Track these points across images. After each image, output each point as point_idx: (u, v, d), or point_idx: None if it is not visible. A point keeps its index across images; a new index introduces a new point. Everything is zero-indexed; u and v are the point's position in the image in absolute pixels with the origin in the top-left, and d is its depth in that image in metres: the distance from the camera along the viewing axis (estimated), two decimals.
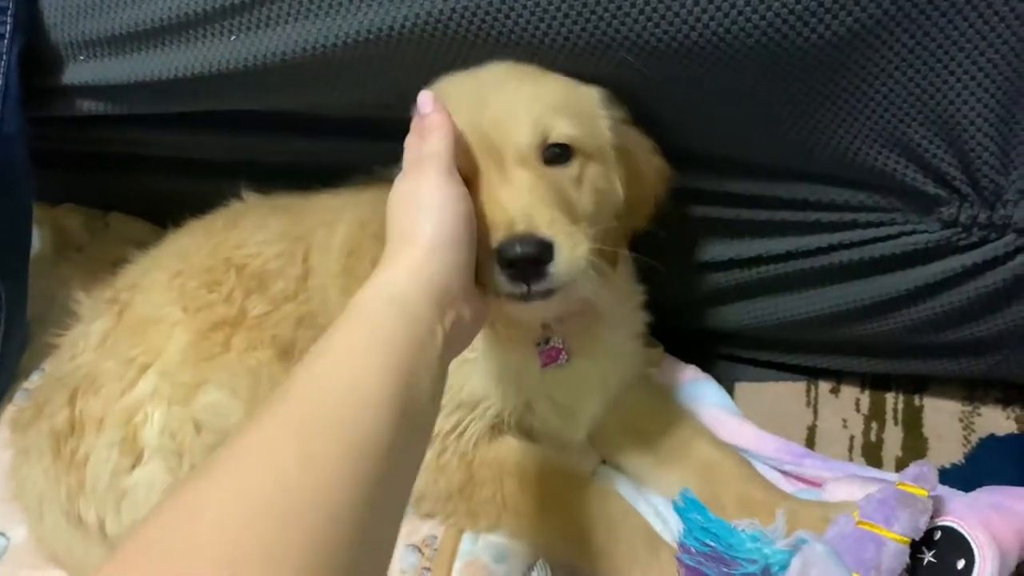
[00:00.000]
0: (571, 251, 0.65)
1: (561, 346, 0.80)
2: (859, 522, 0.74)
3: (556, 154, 0.70)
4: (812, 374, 1.05)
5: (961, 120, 0.71)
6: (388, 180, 0.79)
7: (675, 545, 0.77)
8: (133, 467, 0.84)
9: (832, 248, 0.87)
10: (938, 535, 0.74)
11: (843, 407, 1.02)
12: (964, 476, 0.91)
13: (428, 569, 0.84)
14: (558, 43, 0.71)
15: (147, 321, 0.90)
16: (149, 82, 0.88)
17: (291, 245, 0.92)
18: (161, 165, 1.13)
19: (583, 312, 0.80)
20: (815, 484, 0.90)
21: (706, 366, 1.06)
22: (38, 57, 0.93)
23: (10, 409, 1.01)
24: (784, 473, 0.92)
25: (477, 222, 0.64)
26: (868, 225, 0.83)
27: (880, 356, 0.97)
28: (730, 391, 1.04)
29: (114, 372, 0.86)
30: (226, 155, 1.05)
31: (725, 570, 0.71)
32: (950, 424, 0.97)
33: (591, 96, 0.75)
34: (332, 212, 0.93)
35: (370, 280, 0.58)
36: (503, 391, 0.84)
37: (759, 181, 0.85)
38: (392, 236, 0.62)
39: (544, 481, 0.85)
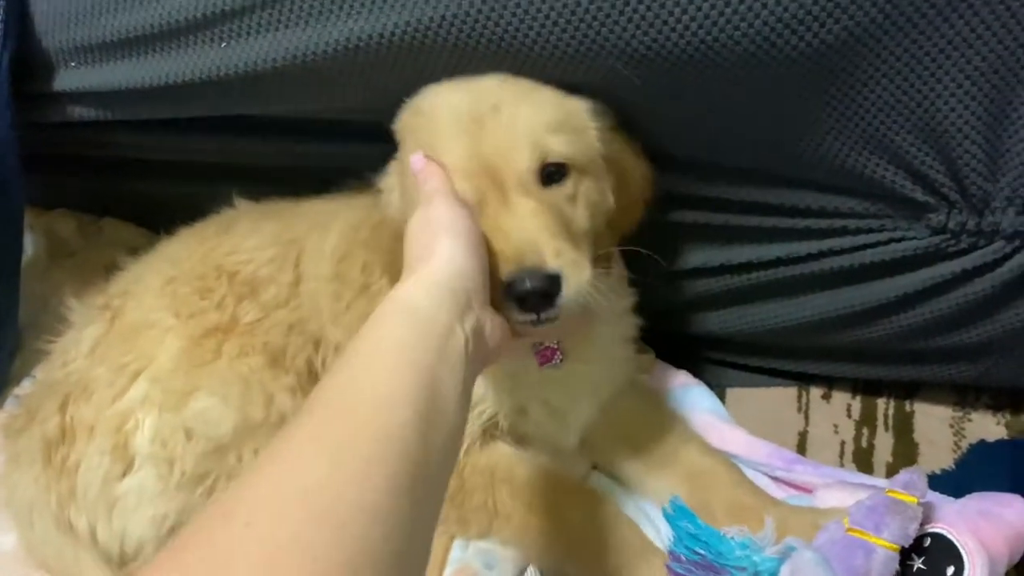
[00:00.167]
0: (577, 279, 0.67)
1: (556, 346, 0.80)
2: (849, 529, 0.74)
3: (551, 173, 0.71)
4: (803, 380, 1.05)
5: (949, 127, 0.71)
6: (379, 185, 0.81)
7: (666, 552, 0.77)
8: (124, 474, 0.83)
9: (822, 254, 0.87)
10: (928, 542, 0.74)
11: (834, 413, 1.02)
12: (954, 482, 0.91)
13: None
14: (547, 51, 0.72)
15: (139, 327, 0.89)
16: (140, 88, 0.87)
17: (283, 250, 0.92)
18: (154, 170, 1.13)
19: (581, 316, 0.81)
20: (806, 490, 0.91)
21: (697, 371, 1.06)
22: (29, 63, 0.93)
23: (1, 415, 1.01)
24: (775, 479, 0.93)
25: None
26: (858, 231, 0.84)
27: (871, 362, 0.98)
28: (721, 396, 1.05)
29: (105, 379, 0.86)
30: (218, 159, 1.05)
31: None
32: (941, 430, 0.98)
33: (581, 109, 0.76)
34: (324, 217, 0.93)
35: (386, 297, 0.60)
36: (497, 395, 0.85)
37: (749, 187, 0.85)
38: (408, 261, 0.64)
39: (535, 488, 0.85)
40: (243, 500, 0.45)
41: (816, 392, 1.04)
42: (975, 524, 0.75)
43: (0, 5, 0.89)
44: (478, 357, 0.61)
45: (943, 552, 0.73)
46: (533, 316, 0.67)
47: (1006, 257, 0.78)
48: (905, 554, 0.74)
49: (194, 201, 1.00)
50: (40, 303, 1.10)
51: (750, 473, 0.91)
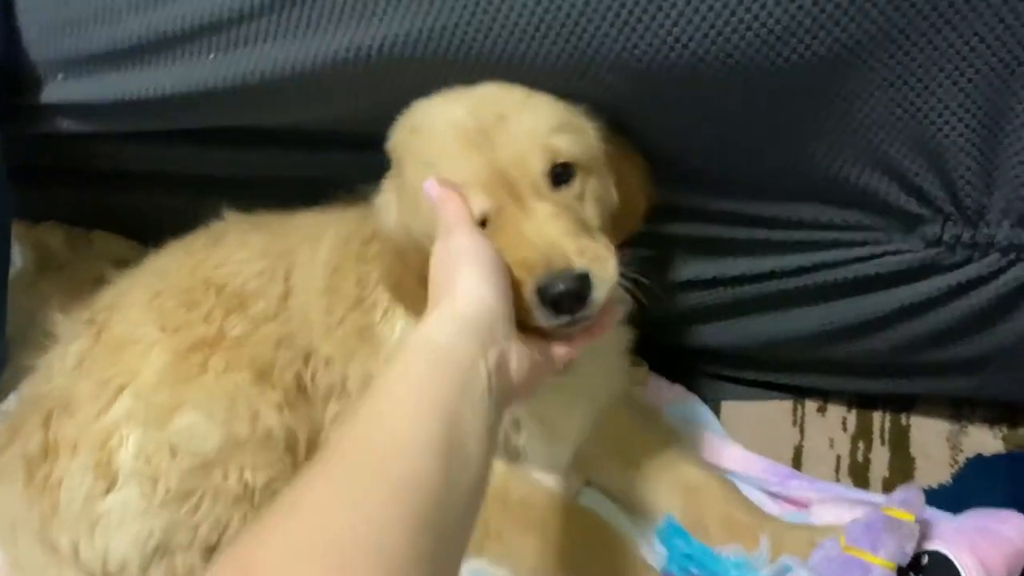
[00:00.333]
0: (604, 274, 0.67)
1: None
2: (845, 547, 0.74)
3: (559, 174, 0.71)
4: (799, 393, 1.04)
5: (943, 139, 0.70)
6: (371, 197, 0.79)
7: (659, 570, 0.76)
8: (107, 491, 0.82)
9: (815, 267, 0.86)
10: (925, 560, 0.74)
11: (830, 426, 1.02)
12: (952, 497, 0.91)
13: None
14: (540, 62, 0.71)
15: (124, 342, 0.88)
16: (128, 101, 0.86)
17: (272, 263, 0.91)
18: (144, 182, 1.12)
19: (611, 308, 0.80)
20: (801, 505, 0.90)
21: (691, 385, 1.05)
22: (17, 75, 0.92)
23: None
24: (770, 494, 0.92)
25: (507, 255, 0.66)
26: (851, 244, 0.83)
27: (866, 375, 0.97)
28: (716, 410, 1.04)
29: (89, 394, 0.85)
30: (208, 170, 1.04)
31: None
32: (937, 443, 0.97)
33: (578, 111, 0.75)
34: (315, 229, 0.92)
35: (410, 334, 0.60)
36: None
37: (741, 199, 0.85)
38: (432, 295, 0.64)
39: (528, 506, 0.84)
40: (259, 553, 0.44)
41: (811, 405, 1.04)
42: (973, 541, 0.75)
43: None
44: (503, 392, 0.60)
45: (941, 570, 0.73)
46: (568, 318, 0.66)
47: (1001, 270, 0.77)
48: (902, 573, 0.73)
49: (184, 213, 0.99)
50: (27, 317, 1.08)
51: (745, 488, 0.91)
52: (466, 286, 0.62)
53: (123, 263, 1.01)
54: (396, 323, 0.85)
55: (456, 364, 0.56)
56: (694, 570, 0.73)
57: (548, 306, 0.66)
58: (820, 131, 0.73)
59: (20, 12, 0.90)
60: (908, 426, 0.99)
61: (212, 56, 0.79)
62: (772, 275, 0.89)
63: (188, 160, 1.04)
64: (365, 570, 0.44)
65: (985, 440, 0.96)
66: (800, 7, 0.63)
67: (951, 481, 0.94)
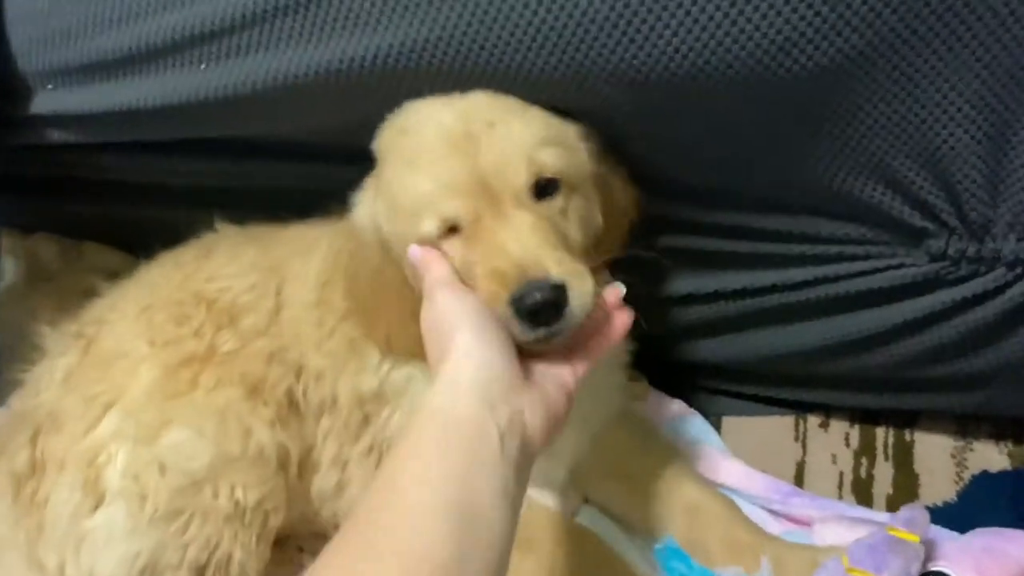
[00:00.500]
0: (581, 288, 0.65)
1: None
2: (848, 568, 0.72)
3: (543, 188, 0.70)
4: (801, 408, 1.03)
5: (948, 151, 0.69)
6: None
7: None
8: (95, 509, 0.80)
9: (818, 281, 0.85)
10: None
11: (832, 442, 1.00)
12: (957, 514, 0.90)
13: None
14: (535, 74, 0.70)
15: (112, 357, 0.86)
16: (118, 112, 0.85)
17: (264, 276, 0.89)
18: (136, 193, 1.11)
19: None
20: (804, 523, 0.88)
21: (692, 400, 1.04)
22: (6, 86, 0.91)
23: None
24: (772, 512, 0.90)
25: (482, 272, 0.66)
26: (854, 258, 0.82)
27: (869, 390, 0.95)
28: (717, 425, 1.03)
29: (77, 410, 0.83)
30: (200, 182, 1.03)
31: None
32: (942, 460, 0.96)
33: (570, 129, 0.74)
34: (307, 242, 0.91)
35: (419, 408, 0.60)
36: None
37: (742, 212, 0.84)
38: (431, 361, 0.64)
39: (523, 525, 0.82)
40: None
41: (814, 421, 1.02)
42: (979, 561, 0.74)
43: None
44: (522, 449, 0.58)
45: None
46: (542, 332, 0.65)
47: (1007, 285, 0.76)
48: None
49: (177, 225, 0.97)
50: (16, 329, 1.07)
51: (746, 506, 0.89)
52: (462, 349, 0.61)
53: (114, 275, 1.00)
54: None
55: (463, 429, 0.56)
56: None
57: (524, 318, 0.64)
58: (822, 143, 0.72)
59: (10, 22, 0.89)
60: (912, 442, 0.98)
61: (203, 66, 0.78)
62: (774, 289, 0.88)
63: (180, 172, 1.02)
64: None
65: (991, 456, 0.95)
66: (802, 17, 0.62)
67: (956, 498, 0.93)
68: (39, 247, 1.23)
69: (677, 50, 0.65)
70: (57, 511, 0.80)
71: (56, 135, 0.95)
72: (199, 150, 0.96)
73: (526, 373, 0.63)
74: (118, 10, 0.81)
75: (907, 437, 0.98)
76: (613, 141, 0.78)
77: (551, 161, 0.69)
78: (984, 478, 0.93)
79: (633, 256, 0.78)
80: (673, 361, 1.03)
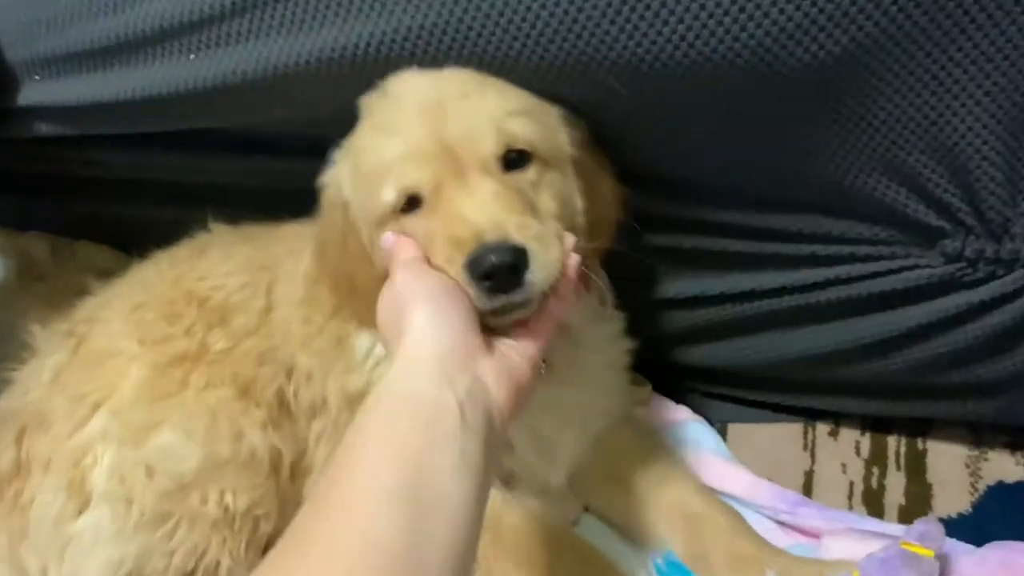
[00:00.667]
0: (545, 255, 0.62)
1: None
2: None
3: (514, 159, 0.68)
4: (809, 415, 1.00)
5: (965, 147, 0.66)
6: None
7: None
8: (79, 512, 0.79)
9: (829, 283, 0.82)
10: None
11: (842, 451, 0.98)
12: (971, 526, 0.87)
13: None
14: (534, 63, 0.68)
15: (102, 356, 0.85)
16: (106, 103, 0.84)
17: (255, 276, 0.88)
18: (130, 192, 1.10)
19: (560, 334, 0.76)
20: (813, 535, 0.86)
21: (697, 406, 1.02)
22: None
23: None
24: (779, 523, 0.88)
25: (441, 241, 0.63)
26: (867, 259, 0.79)
27: (881, 397, 0.93)
28: (722, 432, 1.01)
29: (64, 410, 0.82)
30: (192, 178, 1.02)
31: None
32: (956, 470, 0.93)
33: (551, 111, 0.73)
34: (300, 241, 0.89)
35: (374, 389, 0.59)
36: None
37: (751, 211, 0.81)
38: (388, 343, 0.63)
39: (521, 537, 0.81)
40: None
41: (823, 428, 1.00)
42: None
43: None
44: (487, 419, 0.56)
45: None
46: (501, 300, 0.62)
47: None
48: None
49: (171, 224, 0.96)
50: (7, 329, 1.06)
51: (752, 517, 0.87)
52: (416, 325, 0.59)
53: (107, 274, 0.99)
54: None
55: (415, 405, 0.54)
56: None
57: (479, 282, 0.61)
58: (833, 137, 0.70)
59: None
60: (925, 451, 0.95)
61: (192, 56, 0.77)
62: (783, 291, 0.86)
63: (173, 169, 1.01)
64: None
65: (1006, 467, 0.92)
66: (813, 3, 0.60)
67: (971, 510, 0.90)
68: (31, 245, 1.22)
69: (683, 37, 0.63)
70: (41, 513, 0.79)
71: (44, 128, 0.94)
72: (190, 145, 0.95)
73: (488, 345, 0.61)
74: None
75: (920, 446, 0.96)
76: (612, 136, 0.76)
77: (521, 131, 0.67)
78: (1000, 489, 0.90)
79: (632, 257, 0.76)
80: (678, 366, 1.01)
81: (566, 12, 0.64)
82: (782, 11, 0.60)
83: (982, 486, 0.91)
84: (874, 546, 0.75)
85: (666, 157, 0.79)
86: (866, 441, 0.98)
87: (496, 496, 0.82)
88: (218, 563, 0.79)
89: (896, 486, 0.93)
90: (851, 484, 0.94)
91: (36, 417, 0.82)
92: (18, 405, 0.85)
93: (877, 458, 0.96)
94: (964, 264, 0.75)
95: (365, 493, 0.50)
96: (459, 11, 0.66)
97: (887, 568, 0.70)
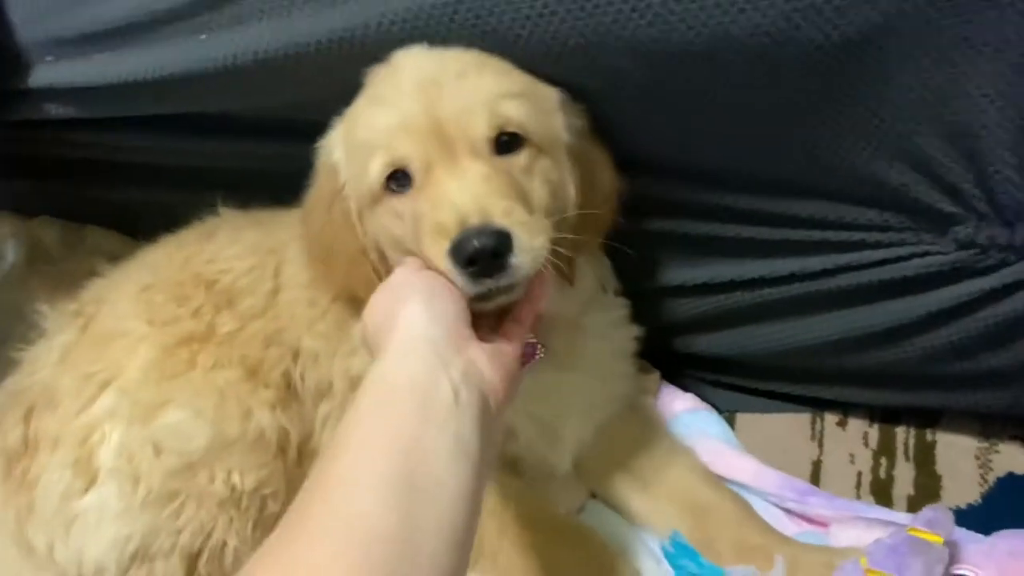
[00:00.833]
0: (530, 240, 0.62)
1: (535, 339, 0.75)
2: (868, 571, 0.70)
3: (506, 143, 0.67)
4: (817, 405, 1.00)
5: (979, 131, 0.66)
6: None
7: None
8: (86, 490, 0.79)
9: (838, 270, 0.82)
10: None
11: (850, 441, 0.97)
12: (981, 517, 0.86)
13: None
14: (545, 44, 0.68)
15: (111, 335, 0.85)
16: (117, 84, 0.84)
17: (263, 259, 0.88)
18: (140, 176, 1.10)
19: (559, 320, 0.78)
20: (820, 524, 0.85)
21: (705, 395, 1.02)
22: (3, 58, 0.90)
23: None
24: (787, 511, 0.87)
25: (427, 225, 0.63)
26: (877, 245, 0.79)
27: (890, 387, 0.92)
28: (730, 422, 1.00)
29: (72, 388, 0.82)
30: (202, 162, 1.02)
31: None
32: (965, 461, 0.92)
33: (550, 95, 0.72)
34: None
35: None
36: None
37: (760, 196, 0.81)
38: (374, 339, 0.62)
39: (526, 524, 0.80)
40: None
41: (831, 419, 0.99)
42: (1004, 565, 0.72)
43: None
44: (482, 401, 0.56)
45: None
46: (484, 285, 0.62)
47: None
48: None
49: (180, 209, 0.97)
50: (15, 312, 1.06)
51: (760, 505, 0.87)
52: (407, 315, 0.59)
53: (116, 259, 0.99)
54: None
55: (408, 388, 0.54)
56: None
57: (463, 267, 0.61)
58: (845, 122, 0.69)
59: None
60: (934, 442, 0.95)
61: (204, 36, 0.77)
62: (791, 278, 0.85)
63: (183, 153, 1.01)
64: None
65: (1016, 458, 0.91)
66: None
67: (980, 501, 0.89)
68: (41, 230, 1.23)
69: (696, 17, 0.62)
70: (48, 491, 0.79)
71: (55, 110, 0.94)
72: (199, 129, 0.96)
73: (476, 332, 0.61)
74: None
75: (928, 437, 0.95)
76: (620, 120, 0.76)
77: (515, 114, 0.67)
78: (1010, 480, 0.89)
79: (639, 245, 0.76)
80: (685, 354, 1.01)
81: None
82: None
83: (992, 478, 0.90)
84: (882, 534, 0.74)
85: (675, 141, 0.79)
86: (874, 432, 0.97)
87: (502, 484, 0.82)
88: (224, 543, 0.79)
89: (905, 477, 0.92)
90: (859, 474, 0.94)
91: (44, 396, 0.83)
92: (26, 384, 0.86)
93: (886, 448, 0.95)
94: (976, 251, 0.74)
95: (357, 477, 0.50)
96: None
97: (895, 554, 0.69)
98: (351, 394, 0.83)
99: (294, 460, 0.85)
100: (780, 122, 0.72)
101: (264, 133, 0.94)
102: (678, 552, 0.73)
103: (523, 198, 0.65)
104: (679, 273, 0.92)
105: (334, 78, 0.76)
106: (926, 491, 0.91)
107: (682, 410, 0.99)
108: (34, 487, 0.79)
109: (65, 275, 1.11)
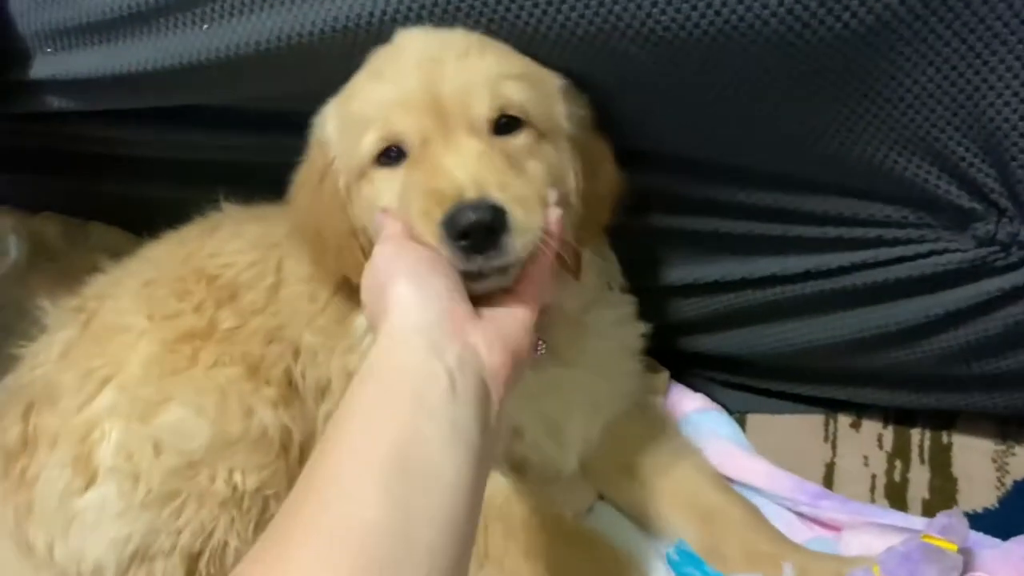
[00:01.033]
0: (526, 220, 0.60)
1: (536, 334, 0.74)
2: None
3: (505, 124, 0.66)
4: (831, 406, 0.99)
5: (1001, 124, 0.64)
6: None
7: None
8: (85, 488, 0.77)
9: (855, 268, 0.80)
10: None
11: (864, 443, 0.96)
12: (997, 521, 0.84)
13: None
14: (554, 31, 0.66)
15: (112, 331, 0.84)
16: (117, 75, 0.83)
17: (265, 253, 0.87)
18: (142, 172, 1.09)
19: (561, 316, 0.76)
20: (834, 528, 0.84)
21: (715, 395, 1.01)
22: (5, 48, 0.89)
23: None
24: (799, 515, 0.86)
25: (420, 193, 0.62)
26: (895, 242, 0.77)
27: (906, 388, 0.91)
28: (741, 423, 0.99)
29: (72, 385, 0.81)
30: (203, 156, 1.01)
31: None
32: (982, 464, 0.91)
33: (553, 81, 0.71)
34: None
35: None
36: None
37: (773, 192, 0.79)
38: (373, 321, 0.61)
39: (532, 528, 0.79)
40: None
41: (844, 420, 0.98)
42: (1021, 570, 0.70)
43: None
44: (480, 387, 0.55)
45: None
46: (477, 262, 0.60)
47: None
48: None
49: (182, 205, 0.96)
50: (17, 308, 1.06)
51: (772, 508, 0.85)
52: (399, 299, 0.57)
53: (119, 255, 0.98)
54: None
55: (401, 377, 0.53)
56: None
57: (455, 241, 0.59)
58: (863, 114, 0.68)
59: None
60: (950, 444, 0.93)
61: (206, 26, 0.76)
62: (806, 276, 0.84)
63: (185, 147, 1.01)
64: None
65: None
66: None
67: (997, 505, 0.88)
68: (44, 226, 1.22)
69: (710, 5, 0.61)
70: (47, 489, 0.78)
71: (56, 102, 0.93)
72: (201, 123, 0.95)
73: (478, 313, 0.59)
74: None
75: (944, 439, 0.94)
76: (629, 112, 0.75)
77: (516, 96, 0.66)
78: None
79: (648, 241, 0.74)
80: (695, 353, 0.99)
81: None
82: None
83: (1009, 481, 0.89)
84: (895, 541, 0.73)
85: (685, 134, 0.77)
86: (889, 434, 0.96)
87: (508, 485, 0.81)
88: (226, 544, 0.78)
89: (920, 480, 0.91)
90: (873, 477, 0.92)
91: (44, 392, 0.82)
92: (26, 380, 0.85)
93: (900, 451, 0.94)
94: (996, 248, 0.73)
95: (349, 471, 0.49)
96: None
97: (908, 562, 0.68)
98: None
99: (297, 460, 0.83)
100: (794, 115, 0.70)
101: (267, 126, 0.93)
102: (683, 560, 0.72)
103: (521, 178, 0.64)
104: (689, 271, 0.91)
105: (337, 70, 0.75)
106: (942, 494, 0.89)
107: (692, 410, 0.98)
108: (33, 485, 0.78)
109: (67, 271, 1.11)
